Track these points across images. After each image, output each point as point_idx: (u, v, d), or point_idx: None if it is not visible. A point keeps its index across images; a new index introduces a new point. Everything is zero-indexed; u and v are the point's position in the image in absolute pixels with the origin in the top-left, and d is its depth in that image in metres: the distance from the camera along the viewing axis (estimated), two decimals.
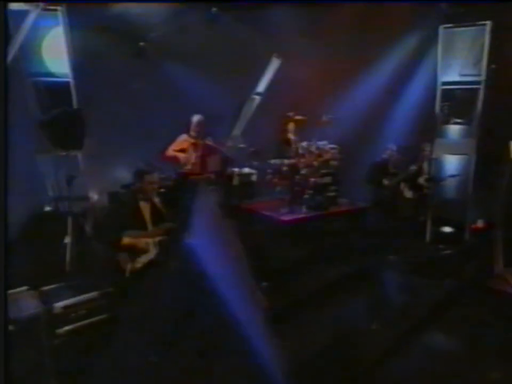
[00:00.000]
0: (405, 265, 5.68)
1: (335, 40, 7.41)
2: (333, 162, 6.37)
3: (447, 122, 6.89)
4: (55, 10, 5.17)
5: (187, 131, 5.39)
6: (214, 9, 7.85)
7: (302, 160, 6.11)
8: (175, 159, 5.12)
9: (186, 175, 5.18)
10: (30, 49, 5.30)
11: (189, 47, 7.96)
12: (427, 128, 6.93)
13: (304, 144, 6.21)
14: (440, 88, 6.71)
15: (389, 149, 6.63)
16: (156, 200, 3.40)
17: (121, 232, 3.15)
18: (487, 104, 6.36)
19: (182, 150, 5.13)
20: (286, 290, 4.60)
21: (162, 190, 4.35)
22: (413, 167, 6.61)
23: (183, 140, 5.23)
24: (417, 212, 6.89)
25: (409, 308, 4.62)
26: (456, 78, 6.57)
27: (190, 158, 5.05)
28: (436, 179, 6.80)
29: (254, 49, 8.17)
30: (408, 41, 7.65)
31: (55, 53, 5.43)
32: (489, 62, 6.22)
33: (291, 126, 6.79)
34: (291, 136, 6.78)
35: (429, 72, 7.09)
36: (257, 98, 8.93)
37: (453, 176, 6.76)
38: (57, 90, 5.65)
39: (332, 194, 6.23)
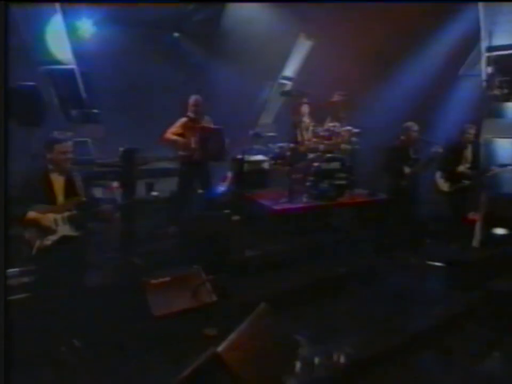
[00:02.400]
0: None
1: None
2: (345, 146, 5.53)
3: (502, 99, 5.62)
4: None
5: (185, 113, 5.09)
6: None
7: (307, 143, 5.42)
8: (174, 143, 4.89)
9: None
10: (37, 39, 5.55)
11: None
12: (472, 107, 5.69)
13: (311, 126, 5.49)
14: (485, 54, 5.44)
15: (408, 128, 5.25)
16: (73, 172, 3.17)
17: (27, 206, 2.98)
18: None
19: (181, 134, 4.86)
20: (247, 284, 4.05)
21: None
22: (438, 148, 5.19)
23: (182, 123, 4.93)
24: (456, 208, 5.67)
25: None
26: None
27: (189, 143, 4.77)
28: (483, 168, 5.54)
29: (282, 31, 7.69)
30: None
31: (58, 41, 5.59)
32: None
33: (305, 108, 6.12)
34: (305, 119, 6.12)
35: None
36: (288, 84, 8.40)
37: (505, 165, 5.47)
38: (64, 76, 5.87)
39: (341, 182, 5.36)
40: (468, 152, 5.68)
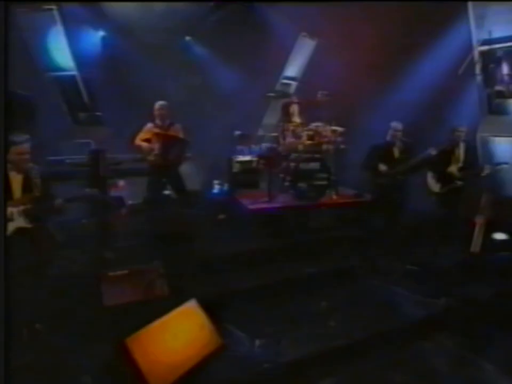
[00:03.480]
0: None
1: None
2: (327, 147, 5.49)
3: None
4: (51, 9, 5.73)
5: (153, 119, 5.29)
6: None
7: (286, 142, 5.45)
8: (140, 149, 5.13)
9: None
10: (41, 47, 6.03)
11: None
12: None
13: (299, 126, 5.50)
14: (478, 49, 5.17)
15: (393, 128, 5.13)
16: (32, 171, 3.48)
17: None
18: None
19: (148, 140, 5.09)
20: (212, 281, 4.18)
21: None
22: (432, 151, 5.11)
23: (148, 129, 5.08)
24: (448, 209, 5.44)
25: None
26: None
27: (153, 148, 4.98)
28: (475, 168, 5.28)
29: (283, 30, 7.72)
30: None
31: (59, 48, 6.04)
32: None
33: (294, 108, 6.14)
34: (296, 119, 6.13)
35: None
36: (292, 84, 8.40)
37: (499, 164, 5.20)
38: (68, 82, 6.33)
39: (321, 183, 5.33)
40: (460, 152, 5.43)
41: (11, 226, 3.41)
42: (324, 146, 5.47)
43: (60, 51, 6.05)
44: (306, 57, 8.08)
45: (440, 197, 5.43)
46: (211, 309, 3.22)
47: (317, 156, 5.38)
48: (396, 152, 5.20)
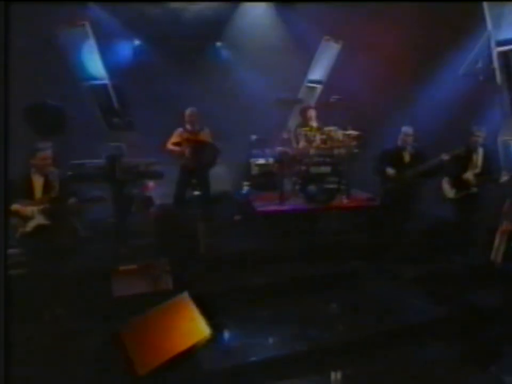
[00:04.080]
0: None
1: None
2: (339, 151, 5.55)
3: None
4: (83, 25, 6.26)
5: (183, 124, 5.65)
6: None
7: (300, 146, 5.58)
8: (171, 152, 5.51)
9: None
10: (77, 60, 6.60)
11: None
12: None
13: (302, 131, 5.62)
14: (496, 50, 5.01)
15: (403, 133, 5.17)
16: (52, 174, 3.92)
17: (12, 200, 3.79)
18: None
19: (178, 144, 5.45)
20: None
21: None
22: (444, 156, 5.07)
23: (178, 134, 5.44)
24: (463, 215, 5.30)
25: None
26: None
27: (183, 152, 5.34)
28: (492, 174, 5.11)
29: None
30: None
31: (93, 60, 6.58)
32: None
33: (311, 113, 6.26)
34: (313, 123, 6.25)
35: None
36: (318, 87, 8.44)
37: None
38: (100, 91, 6.86)
39: (331, 186, 5.41)
40: (478, 157, 5.27)
41: (32, 223, 3.87)
42: (336, 151, 5.53)
43: (93, 62, 6.57)
44: (331, 60, 8.10)
45: (454, 203, 5.32)
46: (207, 303, 3.48)
47: (328, 160, 5.46)
48: (406, 157, 5.18)
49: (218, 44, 9.10)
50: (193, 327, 3.24)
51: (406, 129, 5.14)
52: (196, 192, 5.66)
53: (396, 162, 5.13)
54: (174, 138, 5.48)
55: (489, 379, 3.40)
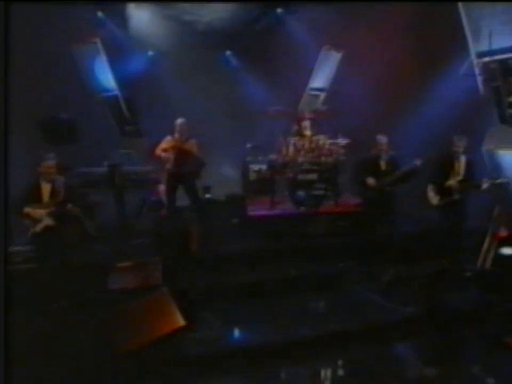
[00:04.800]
0: None
1: None
2: (326, 159, 5.88)
3: None
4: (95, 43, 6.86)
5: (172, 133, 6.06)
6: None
7: (289, 155, 5.95)
8: (159, 158, 5.99)
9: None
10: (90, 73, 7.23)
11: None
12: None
13: (292, 140, 5.99)
14: (475, 61, 5.19)
15: (378, 141, 5.41)
16: (58, 181, 4.48)
17: (23, 204, 4.37)
18: None
19: (166, 150, 5.94)
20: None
21: None
22: (417, 162, 5.24)
23: (166, 141, 5.84)
24: (447, 222, 5.52)
25: None
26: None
27: (169, 158, 5.81)
28: (474, 182, 5.32)
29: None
30: None
31: (104, 73, 7.19)
32: None
33: (305, 122, 6.60)
34: (307, 132, 6.59)
35: None
36: (320, 95, 8.73)
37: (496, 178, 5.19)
38: (112, 101, 7.47)
39: (318, 192, 5.75)
40: (460, 165, 5.48)
41: (41, 224, 4.45)
42: (323, 159, 5.87)
43: (105, 75, 7.18)
44: (333, 69, 8.38)
45: (438, 209, 5.54)
46: (189, 297, 3.97)
47: (315, 167, 5.80)
48: (383, 165, 5.44)
49: (228, 52, 9.57)
50: (170, 316, 3.70)
51: (380, 137, 5.40)
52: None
53: (373, 170, 5.40)
54: (163, 145, 5.94)
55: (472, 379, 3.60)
